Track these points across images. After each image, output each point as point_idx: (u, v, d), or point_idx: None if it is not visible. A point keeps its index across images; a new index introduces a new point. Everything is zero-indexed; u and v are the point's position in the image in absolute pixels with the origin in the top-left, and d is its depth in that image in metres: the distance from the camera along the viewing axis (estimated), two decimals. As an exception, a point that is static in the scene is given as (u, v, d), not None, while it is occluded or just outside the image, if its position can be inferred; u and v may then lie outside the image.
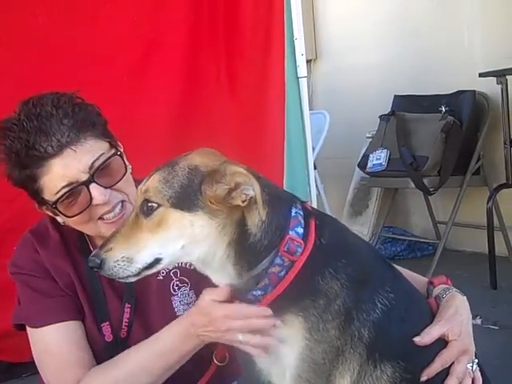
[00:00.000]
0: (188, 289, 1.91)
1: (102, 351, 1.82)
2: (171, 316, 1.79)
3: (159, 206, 1.49)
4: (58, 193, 1.71)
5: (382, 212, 5.82)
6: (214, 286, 1.64)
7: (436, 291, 1.78)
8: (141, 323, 1.85)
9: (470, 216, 5.25)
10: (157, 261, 1.51)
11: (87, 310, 1.84)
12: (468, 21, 5.44)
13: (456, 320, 1.67)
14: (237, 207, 1.52)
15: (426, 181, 4.82)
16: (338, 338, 1.54)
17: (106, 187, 1.73)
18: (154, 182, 1.51)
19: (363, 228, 5.76)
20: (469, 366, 1.67)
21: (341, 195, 6.18)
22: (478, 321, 3.90)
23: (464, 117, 4.98)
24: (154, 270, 1.53)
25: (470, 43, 5.42)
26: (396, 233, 5.78)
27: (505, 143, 4.55)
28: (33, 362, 1.86)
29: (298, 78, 3.98)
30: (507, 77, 4.45)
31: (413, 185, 4.84)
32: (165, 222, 1.49)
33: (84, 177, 1.70)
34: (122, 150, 1.82)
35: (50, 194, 1.73)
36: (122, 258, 1.48)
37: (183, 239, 1.50)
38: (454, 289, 1.79)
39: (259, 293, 1.56)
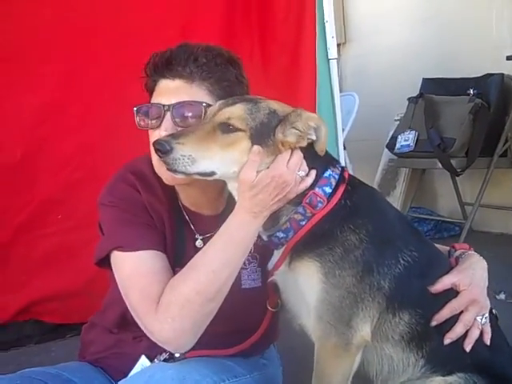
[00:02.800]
0: (256, 265, 1.97)
1: None
2: (237, 288, 1.83)
3: (239, 130, 1.63)
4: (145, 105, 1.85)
5: (410, 193, 5.90)
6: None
7: (457, 253, 1.92)
8: None
9: (496, 197, 5.33)
10: (211, 173, 1.64)
11: (169, 253, 1.86)
12: (496, 3, 5.49)
13: (468, 273, 1.80)
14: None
15: (453, 162, 4.90)
16: (355, 285, 1.67)
17: (175, 124, 1.78)
18: (239, 111, 1.64)
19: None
20: (478, 318, 1.77)
21: (369, 176, 6.25)
22: (502, 296, 3.99)
23: (492, 99, 5.04)
24: (205, 178, 1.65)
25: (498, 26, 5.47)
26: (423, 213, 5.86)
27: (531, 124, 4.60)
28: (76, 324, 1.89)
29: (328, 59, 4.03)
30: (534, 60, 4.49)
31: (440, 165, 4.93)
32: (237, 145, 1.63)
33: (168, 102, 1.78)
34: (207, 105, 1.80)
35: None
36: (189, 156, 1.59)
37: (238, 166, 1.64)
38: (472, 251, 1.93)
39: (282, 235, 1.73)
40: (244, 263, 1.84)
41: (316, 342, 1.74)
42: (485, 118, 4.92)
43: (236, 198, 1.73)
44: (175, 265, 1.85)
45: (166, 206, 1.91)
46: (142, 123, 1.85)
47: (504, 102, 5.08)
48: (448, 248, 2.00)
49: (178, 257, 1.87)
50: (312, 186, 1.71)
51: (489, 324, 1.80)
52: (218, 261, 1.71)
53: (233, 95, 1.77)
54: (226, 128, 1.63)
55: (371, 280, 1.68)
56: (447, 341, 1.73)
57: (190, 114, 1.79)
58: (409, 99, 5.43)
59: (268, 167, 1.65)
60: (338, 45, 6.71)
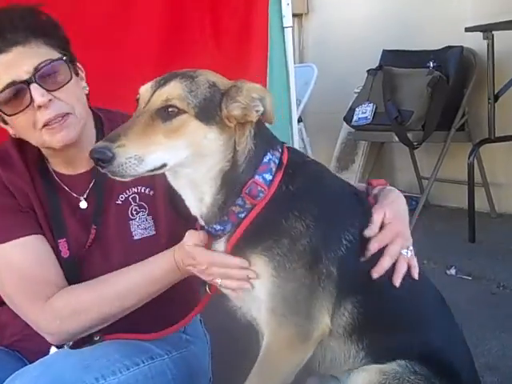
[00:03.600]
0: (146, 214, 1.91)
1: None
2: (129, 240, 1.87)
3: (183, 112, 1.49)
4: (2, 91, 1.71)
5: (368, 167, 5.88)
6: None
7: (375, 191, 1.83)
8: (98, 245, 1.86)
9: (453, 172, 5.31)
10: (163, 165, 1.50)
11: (45, 227, 1.83)
12: (457, -25, 5.41)
13: (391, 207, 1.72)
14: (236, 130, 1.57)
15: (410, 135, 4.86)
16: (306, 276, 1.58)
17: (48, 90, 1.71)
18: (176, 89, 1.50)
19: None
20: (403, 251, 1.70)
21: (328, 150, 6.21)
22: (453, 271, 4.00)
23: (451, 72, 5.00)
24: (155, 173, 1.52)
25: (460, -1, 5.39)
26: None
27: (489, 99, 4.56)
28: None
29: (283, 27, 3.92)
30: (494, 32, 4.43)
31: (397, 139, 4.88)
32: (183, 129, 1.49)
33: (26, 76, 1.69)
34: (67, 58, 1.79)
35: None
36: (135, 156, 1.43)
37: (191, 149, 1.51)
38: (389, 187, 1.85)
39: (218, 227, 1.62)
40: (131, 213, 1.88)
41: (268, 336, 1.64)
42: (443, 91, 4.88)
43: (185, 196, 1.64)
44: (58, 236, 1.83)
45: (28, 179, 1.85)
46: (9, 111, 1.75)
47: (463, 76, 5.04)
48: (365, 185, 1.91)
49: (58, 227, 1.84)
50: (252, 174, 1.59)
51: (415, 258, 1.73)
52: (129, 289, 1.77)
53: (68, 42, 1.76)
54: (167, 113, 1.49)
55: (320, 268, 1.59)
56: (375, 275, 1.64)
57: (56, 74, 1.74)
58: (368, 71, 5.37)
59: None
60: (300, 15, 6.66)
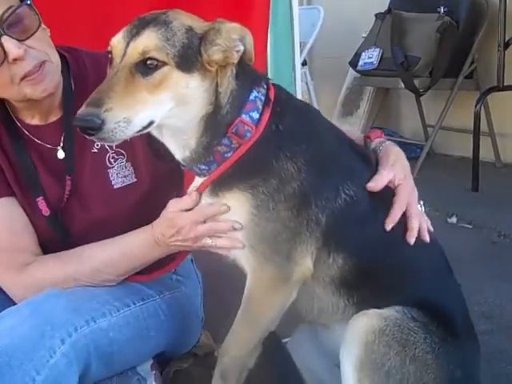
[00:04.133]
0: (125, 161, 1.82)
1: (41, 227, 1.77)
2: (108, 189, 1.80)
3: (164, 64, 1.41)
4: None
5: (373, 113, 5.80)
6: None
7: (373, 145, 1.79)
8: (76, 197, 1.78)
9: (459, 120, 5.24)
10: (150, 123, 1.43)
11: (17, 188, 1.75)
12: None
13: (398, 165, 1.70)
14: (217, 73, 1.51)
15: (416, 81, 4.78)
16: (291, 219, 1.55)
17: (20, 40, 1.59)
18: (152, 40, 1.41)
19: (353, 128, 5.74)
20: (418, 207, 1.72)
21: (333, 95, 6.12)
22: (454, 219, 3.98)
23: (461, 18, 4.88)
24: (142, 132, 1.44)
25: None
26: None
27: (499, 46, 4.46)
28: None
29: (289, -34, 3.79)
30: (507, -23, 4.30)
31: (403, 85, 4.80)
32: (166, 82, 1.42)
33: None
34: (30, 2, 1.65)
35: None
36: (124, 119, 1.36)
37: (175, 101, 1.45)
38: (389, 141, 1.80)
39: (203, 167, 1.58)
40: (109, 161, 1.80)
41: (250, 273, 1.62)
42: (452, 38, 4.78)
43: (168, 144, 1.59)
44: (35, 195, 1.75)
45: None
46: None
47: (473, 22, 4.93)
48: (360, 134, 1.87)
49: (34, 185, 1.76)
50: (239, 112, 1.54)
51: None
52: (107, 263, 1.73)
53: None
54: (146, 67, 1.40)
55: (309, 213, 1.55)
56: (412, 240, 1.65)
57: (23, 22, 1.62)
58: (376, 15, 5.24)
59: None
60: (309, -45, 6.45)
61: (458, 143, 5.44)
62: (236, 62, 1.51)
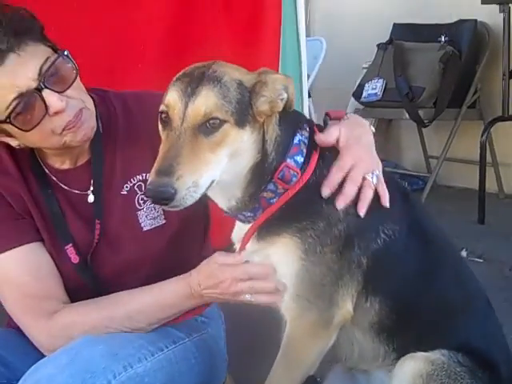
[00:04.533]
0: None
1: (70, 274, 1.73)
2: (137, 231, 1.76)
3: (224, 122, 1.41)
4: (9, 106, 1.54)
5: (375, 145, 5.75)
6: None
7: (333, 122, 1.70)
8: (106, 241, 1.76)
9: (462, 151, 5.22)
10: (212, 182, 1.41)
11: (45, 235, 1.73)
12: None
13: (349, 129, 1.62)
14: (263, 122, 1.50)
15: (421, 112, 4.77)
16: (335, 262, 1.53)
17: (60, 92, 1.58)
18: (212, 99, 1.40)
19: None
20: (368, 176, 1.58)
21: (334, 126, 6.09)
22: (464, 253, 3.91)
23: (463, 47, 4.90)
24: (205, 192, 1.42)
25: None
26: (388, 166, 5.71)
27: (503, 74, 4.45)
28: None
29: (295, -1, 3.79)
30: (510, 5, 4.30)
31: (407, 116, 4.78)
32: (225, 140, 1.41)
33: (34, 84, 1.54)
34: (67, 53, 1.64)
35: (0, 112, 1.56)
36: (193, 183, 1.35)
37: (229, 156, 1.43)
38: (356, 116, 1.77)
39: (248, 214, 1.56)
40: (138, 203, 1.77)
41: (290, 322, 1.59)
42: (455, 67, 4.79)
43: (213, 196, 1.56)
44: (64, 242, 1.72)
45: (22, 183, 1.73)
46: (24, 127, 1.58)
47: (476, 50, 4.95)
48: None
49: (62, 233, 1.73)
50: (283, 157, 1.51)
51: (384, 185, 1.60)
52: (140, 311, 1.70)
53: (43, 28, 1.61)
54: (207, 127, 1.39)
55: (352, 255, 1.54)
56: (340, 205, 1.53)
57: (61, 73, 1.60)
58: (378, 45, 5.25)
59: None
60: (308, -13, 6.48)
61: (461, 174, 5.42)
62: (280, 110, 1.50)
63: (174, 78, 1.47)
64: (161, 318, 1.71)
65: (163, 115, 1.44)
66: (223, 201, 1.56)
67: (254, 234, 1.57)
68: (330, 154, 1.57)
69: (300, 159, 1.53)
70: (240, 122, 1.43)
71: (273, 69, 3.56)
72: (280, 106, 1.49)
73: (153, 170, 1.35)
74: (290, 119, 1.56)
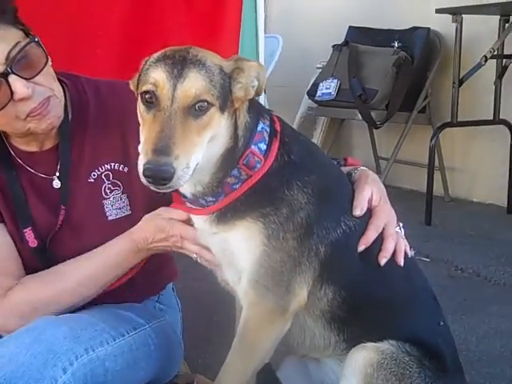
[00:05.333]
0: (120, 192, 1.81)
1: (27, 257, 1.74)
2: (103, 220, 1.78)
3: (211, 106, 1.42)
4: None
5: (326, 143, 5.85)
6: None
7: (346, 169, 1.80)
8: (69, 227, 1.76)
9: (411, 154, 5.33)
10: (196, 165, 1.40)
11: (6, 215, 1.73)
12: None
13: (375, 186, 1.70)
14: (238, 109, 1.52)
15: (373, 114, 4.85)
16: (295, 248, 1.55)
17: (27, 79, 1.56)
18: (201, 82, 1.40)
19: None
20: (397, 229, 1.71)
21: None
22: (412, 252, 4.00)
23: (416, 53, 5.00)
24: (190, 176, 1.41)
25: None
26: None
27: (454, 82, 4.56)
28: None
29: (255, -5, 3.81)
30: (463, 15, 4.42)
31: (360, 117, 4.87)
32: (210, 123, 1.42)
33: (1, 68, 1.53)
34: (38, 39, 1.63)
35: None
36: (186, 164, 1.35)
37: (209, 140, 1.44)
38: (363, 167, 1.81)
39: (210, 199, 1.56)
40: (105, 192, 1.79)
41: (247, 308, 1.60)
42: (408, 72, 4.89)
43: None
44: (23, 225, 1.72)
45: None
46: None
47: (427, 57, 5.06)
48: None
49: (22, 216, 1.73)
50: (248, 144, 1.53)
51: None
52: (89, 277, 1.72)
53: (17, 10, 1.60)
54: (195, 110, 1.40)
55: (311, 243, 1.56)
56: (383, 261, 1.63)
57: (30, 58, 1.58)
58: (333, 46, 5.33)
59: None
60: (266, -16, 6.49)
61: (409, 176, 5.54)
62: (251, 97, 1.52)
63: (153, 59, 1.46)
64: (109, 280, 1.74)
65: (147, 95, 1.42)
66: (189, 186, 1.55)
67: (214, 217, 1.57)
68: (289, 140, 1.60)
69: (263, 146, 1.55)
70: (222, 107, 1.44)
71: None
72: (252, 93, 1.51)
73: (146, 149, 1.34)
74: (255, 107, 1.58)
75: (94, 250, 1.72)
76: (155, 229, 1.67)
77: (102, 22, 3.20)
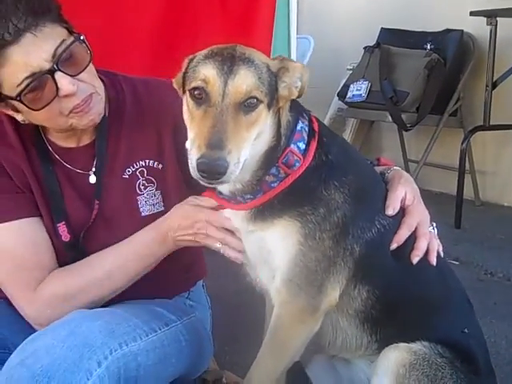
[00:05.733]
0: (154, 189, 1.84)
1: (60, 251, 1.77)
2: (136, 216, 1.80)
3: (260, 103, 1.44)
4: (20, 84, 1.56)
5: (355, 145, 5.81)
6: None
7: (379, 168, 1.81)
8: (102, 222, 1.79)
9: (441, 157, 5.29)
10: (245, 161, 1.41)
11: (43, 210, 1.76)
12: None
13: (408, 186, 1.72)
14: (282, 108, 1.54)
15: (404, 116, 4.81)
16: (331, 248, 1.56)
17: (72, 75, 1.60)
18: (251, 79, 1.43)
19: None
20: (431, 229, 1.73)
21: (316, 124, 6.14)
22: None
23: (449, 56, 4.95)
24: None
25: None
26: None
27: (487, 85, 4.52)
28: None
29: (288, -3, 3.82)
30: (498, 18, 4.38)
31: (390, 119, 4.84)
32: (258, 120, 1.44)
33: (48, 65, 1.56)
34: (83, 37, 1.67)
35: (10, 88, 1.59)
36: (238, 159, 1.36)
37: (255, 137, 1.46)
38: (397, 167, 1.82)
39: (249, 196, 1.58)
40: (139, 188, 1.81)
41: (279, 306, 1.62)
42: (440, 75, 4.84)
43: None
44: (57, 220, 1.75)
45: (24, 157, 1.75)
46: (34, 106, 1.60)
47: (460, 60, 5.00)
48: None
49: (56, 210, 1.76)
50: (288, 143, 1.55)
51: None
52: (117, 268, 1.72)
53: (61, 8, 1.64)
54: (245, 106, 1.42)
55: (346, 243, 1.57)
56: (415, 259, 1.64)
57: (75, 56, 1.62)
58: (365, 48, 5.30)
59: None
60: (298, -15, 6.49)
61: (439, 179, 5.49)
62: (295, 97, 1.54)
63: (201, 56, 1.48)
64: (139, 271, 1.75)
65: (196, 92, 1.44)
66: (229, 184, 1.56)
67: (251, 215, 1.59)
68: (327, 141, 1.61)
69: (302, 146, 1.57)
70: (269, 104, 1.46)
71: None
72: (295, 93, 1.53)
73: (199, 143, 1.36)
74: (295, 107, 1.60)
75: (122, 242, 1.74)
76: (181, 215, 1.68)
77: (138, 23, 3.24)
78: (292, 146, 1.55)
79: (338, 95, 5.42)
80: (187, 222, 1.66)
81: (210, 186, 1.40)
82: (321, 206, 1.54)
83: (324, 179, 1.56)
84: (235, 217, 1.63)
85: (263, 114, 1.45)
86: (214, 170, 1.33)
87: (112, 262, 1.73)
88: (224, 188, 1.59)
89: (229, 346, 2.43)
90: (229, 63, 1.43)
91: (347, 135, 5.87)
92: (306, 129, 1.59)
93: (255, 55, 1.49)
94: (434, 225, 1.76)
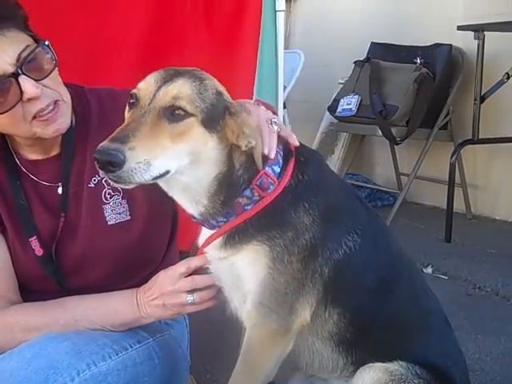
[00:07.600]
0: (120, 198, 1.81)
1: (33, 266, 1.74)
2: (101, 225, 1.78)
3: (190, 116, 1.41)
4: None
5: (347, 159, 5.84)
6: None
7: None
8: (69, 233, 1.77)
9: (432, 170, 5.30)
10: (166, 172, 1.40)
11: (10, 225, 1.74)
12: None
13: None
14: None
15: (393, 130, 4.82)
16: (300, 271, 1.54)
17: (36, 80, 1.59)
18: (185, 89, 1.42)
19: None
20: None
21: (309, 139, 6.14)
22: (430, 269, 3.99)
23: (438, 70, 4.97)
24: (156, 181, 1.42)
25: (452, -4, 5.35)
26: (359, 180, 5.80)
27: (475, 99, 4.53)
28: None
29: (275, 11, 3.83)
30: (485, 33, 4.40)
31: (380, 133, 4.85)
32: (188, 134, 1.41)
33: (11, 69, 1.56)
34: (48, 43, 1.66)
35: None
36: (144, 160, 1.33)
37: (192, 156, 1.43)
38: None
39: (221, 219, 1.57)
40: (105, 197, 1.78)
41: (250, 328, 1.61)
42: (429, 89, 4.85)
43: (178, 199, 1.58)
44: (28, 235, 1.73)
45: None
46: (5, 107, 1.59)
47: (449, 74, 5.02)
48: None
49: (27, 225, 1.74)
50: (263, 165, 1.53)
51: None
52: (85, 316, 1.69)
53: (28, 18, 1.63)
54: (175, 115, 1.40)
55: (315, 265, 1.56)
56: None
57: (40, 61, 1.62)
58: (355, 62, 5.32)
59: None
60: (290, 0, 6.54)
61: (430, 192, 5.51)
62: (242, 149, 1.50)
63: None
64: (105, 324, 1.72)
65: (132, 99, 1.45)
66: (189, 205, 1.57)
67: (222, 241, 1.58)
68: (304, 160, 1.60)
69: (277, 169, 1.55)
70: (207, 124, 1.44)
71: (249, 78, 3.61)
72: (243, 145, 1.49)
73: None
74: None
75: (100, 294, 1.74)
76: (149, 285, 1.71)
77: (120, 37, 3.25)
78: (267, 168, 1.54)
79: (328, 109, 5.43)
80: (152, 284, 1.70)
81: (113, 182, 1.37)
82: (289, 230, 1.53)
83: (294, 202, 1.55)
84: (210, 248, 1.63)
85: (196, 131, 1.43)
86: (105, 159, 1.31)
87: (81, 312, 1.70)
88: (188, 209, 1.59)
89: (209, 363, 2.42)
90: (174, 74, 1.44)
91: (339, 149, 5.89)
92: (281, 152, 1.58)
93: (210, 79, 1.49)
94: (274, 120, 1.63)
